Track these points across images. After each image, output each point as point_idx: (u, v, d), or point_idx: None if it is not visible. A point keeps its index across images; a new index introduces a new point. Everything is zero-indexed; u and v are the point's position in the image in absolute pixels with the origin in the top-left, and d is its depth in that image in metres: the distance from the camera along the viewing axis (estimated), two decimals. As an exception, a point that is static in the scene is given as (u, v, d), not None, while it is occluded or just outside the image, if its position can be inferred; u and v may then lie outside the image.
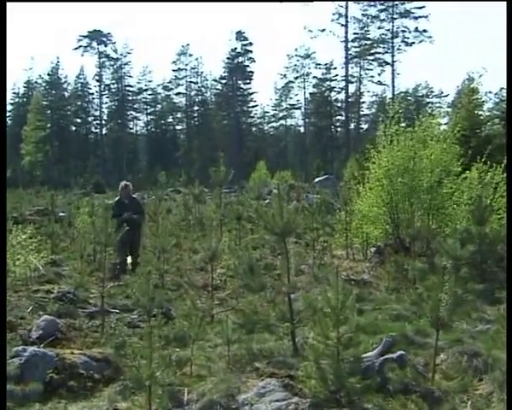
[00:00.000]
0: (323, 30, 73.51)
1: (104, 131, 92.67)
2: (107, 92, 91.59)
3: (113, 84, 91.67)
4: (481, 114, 26.20)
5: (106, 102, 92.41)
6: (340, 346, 5.89)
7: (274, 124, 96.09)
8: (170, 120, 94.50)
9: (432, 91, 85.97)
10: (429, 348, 7.30)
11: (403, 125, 15.64)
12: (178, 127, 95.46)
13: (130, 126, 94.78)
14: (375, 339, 7.81)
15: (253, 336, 8.28)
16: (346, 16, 74.34)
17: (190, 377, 6.80)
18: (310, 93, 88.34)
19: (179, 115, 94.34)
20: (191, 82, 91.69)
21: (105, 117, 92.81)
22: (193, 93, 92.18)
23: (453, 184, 14.71)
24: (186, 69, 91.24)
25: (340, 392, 5.84)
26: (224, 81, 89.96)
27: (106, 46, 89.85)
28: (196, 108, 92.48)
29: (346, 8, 73.99)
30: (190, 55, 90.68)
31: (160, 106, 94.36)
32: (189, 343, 7.36)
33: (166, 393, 5.62)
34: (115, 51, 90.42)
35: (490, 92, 28.38)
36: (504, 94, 29.98)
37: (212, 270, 10.64)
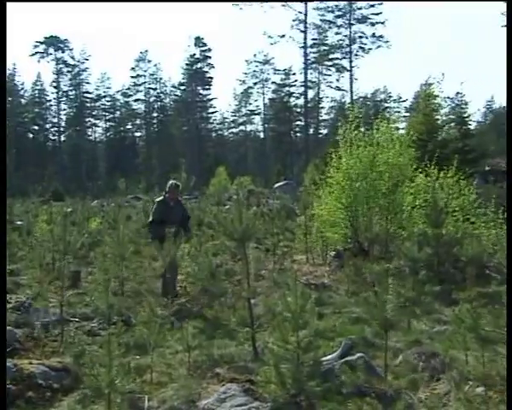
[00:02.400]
0: (283, 36, 73.78)
1: (62, 139, 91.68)
2: (64, 99, 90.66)
3: (70, 90, 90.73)
4: (438, 119, 26.58)
5: (64, 109, 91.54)
6: (299, 350, 5.92)
7: (234, 130, 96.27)
8: (129, 126, 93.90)
9: (390, 96, 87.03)
10: (388, 350, 7.40)
11: (362, 129, 15.81)
12: (138, 134, 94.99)
13: (89, 133, 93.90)
14: (335, 342, 7.89)
15: (214, 342, 8.29)
16: (305, 22, 74.70)
17: (151, 385, 6.77)
18: (269, 99, 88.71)
19: (138, 122, 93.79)
20: (150, 88, 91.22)
21: (63, 124, 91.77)
22: (152, 99, 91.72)
23: (410, 188, 14.91)
24: (145, 75, 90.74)
25: (299, 396, 5.87)
26: (183, 87, 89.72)
27: (63, 52, 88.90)
28: (155, 114, 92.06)
29: (306, 14, 74.32)
30: (149, 61, 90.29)
31: (118, 112, 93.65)
32: (150, 350, 7.33)
33: (126, 401, 5.59)
34: (73, 58, 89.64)
35: (447, 97, 28.71)
36: (460, 99, 30.44)
37: (172, 276, 10.60)
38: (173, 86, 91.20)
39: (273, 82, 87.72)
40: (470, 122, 30.75)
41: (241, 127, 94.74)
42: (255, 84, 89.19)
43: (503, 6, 65.85)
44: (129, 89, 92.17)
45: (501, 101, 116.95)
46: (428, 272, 12.10)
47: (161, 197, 12.43)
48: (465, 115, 28.65)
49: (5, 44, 7.86)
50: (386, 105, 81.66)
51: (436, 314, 10.07)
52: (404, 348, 7.75)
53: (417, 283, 10.14)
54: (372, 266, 11.70)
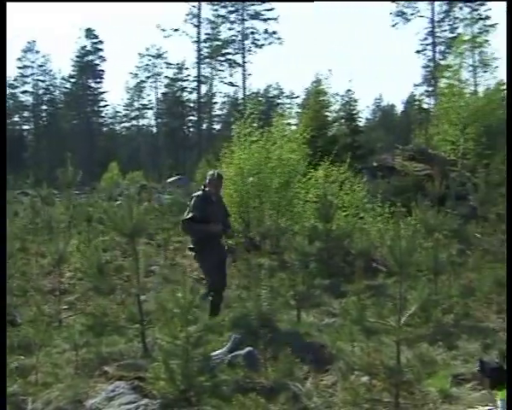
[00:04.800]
0: (176, 30, 73.32)
1: None
2: None
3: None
4: (328, 115, 27.16)
5: None
6: (188, 345, 5.89)
7: (126, 124, 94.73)
8: (16, 119, 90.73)
9: (282, 92, 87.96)
10: (277, 343, 7.48)
11: (255, 125, 15.93)
12: (25, 127, 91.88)
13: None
14: (225, 337, 7.91)
15: (102, 340, 8.13)
16: (199, 17, 74.58)
17: (36, 386, 6.56)
18: (162, 93, 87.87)
19: (26, 114, 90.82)
20: (38, 80, 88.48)
21: None
22: (41, 91, 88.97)
23: (301, 183, 15.16)
24: (33, 67, 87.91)
25: (189, 391, 5.84)
26: (73, 80, 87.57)
27: None
28: (44, 107, 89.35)
29: (199, 8, 74.23)
30: (37, 51, 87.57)
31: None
32: (35, 350, 7.10)
33: (8, 404, 5.40)
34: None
35: (336, 94, 29.36)
36: (351, 96, 31.21)
37: (61, 273, 10.36)
38: (63, 78, 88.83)
39: (166, 76, 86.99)
40: (359, 119, 31.66)
41: (134, 122, 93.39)
42: (148, 78, 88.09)
43: (393, 6, 68.25)
44: (16, 80, 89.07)
45: (389, 99, 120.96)
46: (319, 265, 12.34)
47: (200, 192, 10.11)
48: (354, 112, 29.43)
49: (5, 44, 7.79)
50: (279, 101, 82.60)
51: (325, 307, 10.31)
52: (294, 341, 7.85)
53: (308, 276, 10.29)
54: (264, 261, 11.83)
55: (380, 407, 5.68)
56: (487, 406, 5.69)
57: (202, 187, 10.08)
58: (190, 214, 9.56)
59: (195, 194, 10.04)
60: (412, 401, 5.77)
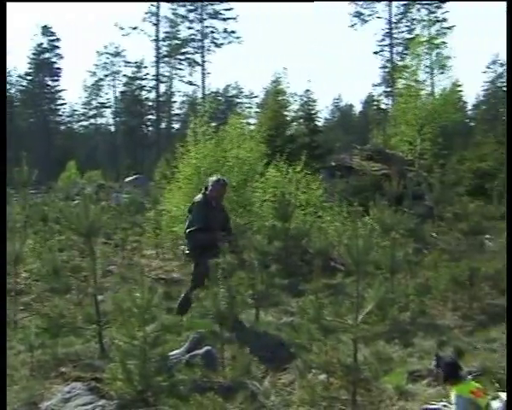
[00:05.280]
0: (135, 28, 72.81)
1: None
2: None
3: None
4: (287, 115, 27.28)
5: None
6: (146, 345, 5.87)
7: (84, 123, 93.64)
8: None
9: (242, 92, 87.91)
10: (235, 343, 7.50)
11: (214, 124, 15.92)
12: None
13: None
14: (184, 337, 7.89)
15: (59, 341, 8.03)
16: (158, 15, 74.21)
17: (-10, 388, 6.46)
18: (120, 92, 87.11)
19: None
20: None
21: None
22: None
23: (259, 182, 15.18)
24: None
25: (146, 392, 5.81)
26: (29, 78, 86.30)
27: None
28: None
29: (158, 7, 73.86)
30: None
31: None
32: (-11, 352, 6.98)
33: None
34: None
35: (295, 94, 29.55)
36: (309, 96, 31.43)
37: (16, 274, 10.21)
38: (19, 76, 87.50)
39: (124, 75, 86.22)
40: (318, 119, 31.87)
41: (92, 120, 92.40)
42: (106, 76, 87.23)
43: (351, 7, 68.77)
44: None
45: (347, 99, 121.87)
46: (277, 264, 12.37)
47: (200, 196, 9.69)
48: (313, 112, 29.62)
49: (5, 44, 7.84)
50: (238, 101, 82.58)
51: (283, 306, 10.35)
52: (253, 340, 7.86)
53: (266, 275, 10.31)
54: (223, 259, 11.79)
55: (337, 404, 5.71)
56: (442, 401, 5.77)
57: (203, 191, 9.70)
58: (195, 226, 9.26)
59: (196, 200, 9.73)
60: (369, 398, 5.82)
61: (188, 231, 9.38)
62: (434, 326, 8.88)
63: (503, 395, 5.36)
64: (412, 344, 8.00)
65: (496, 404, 5.19)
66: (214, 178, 9.93)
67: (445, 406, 5.67)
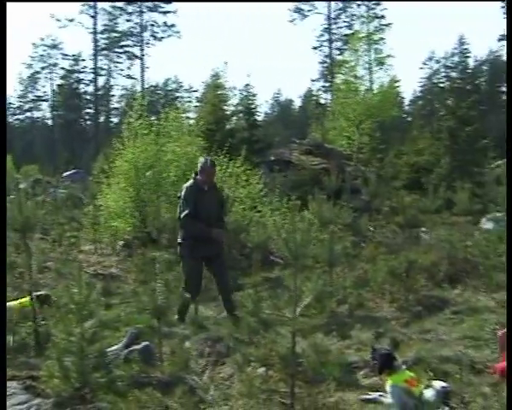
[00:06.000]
0: (72, 20, 71.52)
1: None
2: None
3: None
4: (226, 109, 27.25)
5: None
6: (83, 341, 5.79)
7: (20, 116, 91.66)
8: None
9: (181, 86, 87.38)
10: (174, 337, 7.49)
11: (153, 118, 15.82)
12: None
13: None
14: (122, 332, 7.83)
15: (-7, 338, 7.86)
16: (95, 7, 73.11)
17: None
18: (58, 85, 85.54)
19: None
20: None
21: None
22: None
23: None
24: None
25: (84, 389, 5.74)
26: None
27: None
28: None
29: (95, -1, 72.85)
30: None
31: None
32: None
33: None
34: None
35: (234, 87, 29.49)
36: (249, 90, 31.44)
37: None
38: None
39: (62, 67, 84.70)
40: (258, 113, 31.94)
41: (28, 114, 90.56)
42: (43, 68, 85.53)
43: (291, 3, 69.07)
44: None
45: (287, 93, 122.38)
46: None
47: (191, 181, 9.10)
48: (252, 107, 29.66)
49: (5, 44, 7.66)
50: (178, 95, 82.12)
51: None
52: (192, 335, 7.87)
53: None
54: (160, 255, 11.74)
55: (276, 397, 5.75)
56: (378, 391, 5.87)
57: (193, 176, 9.14)
58: (186, 211, 8.70)
59: (186, 184, 9.13)
60: (308, 390, 5.87)
61: (182, 217, 8.82)
62: (372, 318, 9.01)
63: (436, 384, 5.50)
64: (350, 336, 8.10)
65: (429, 392, 5.30)
66: (202, 159, 9.32)
67: (381, 395, 5.79)
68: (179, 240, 8.99)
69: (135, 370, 6.29)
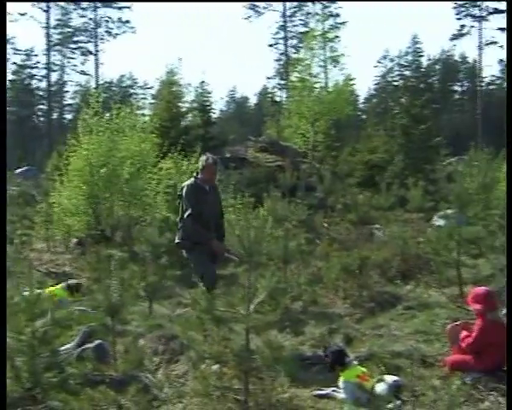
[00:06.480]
0: (24, 14, 70.25)
1: None
2: None
3: None
4: (181, 106, 27.16)
5: None
6: (35, 341, 5.72)
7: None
8: None
9: (136, 83, 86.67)
10: (128, 335, 7.45)
11: (108, 115, 15.69)
12: None
13: None
14: (75, 331, 7.75)
15: None
16: (48, 1, 71.93)
17: None
18: (9, 80, 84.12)
19: None
20: None
21: None
22: None
23: (153, 174, 15.07)
24: None
25: (35, 388, 5.67)
26: None
27: None
28: None
29: (48, -8, 71.66)
30: None
31: None
32: None
33: None
34: None
35: (189, 84, 29.40)
36: (204, 87, 31.41)
37: None
38: None
39: (14, 63, 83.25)
40: (213, 110, 31.91)
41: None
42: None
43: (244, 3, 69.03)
44: None
45: (243, 91, 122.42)
46: (170, 256, 12.30)
47: (191, 180, 8.60)
48: (207, 104, 29.63)
49: (5, 44, 7.50)
50: (132, 91, 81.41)
51: (177, 298, 10.33)
52: (146, 333, 7.85)
53: (159, 267, 10.24)
54: (114, 252, 11.67)
55: (230, 393, 5.75)
56: (331, 387, 5.93)
57: (195, 174, 8.73)
58: (188, 211, 8.23)
59: (186, 183, 8.60)
60: (262, 386, 5.89)
61: (185, 217, 8.34)
62: (325, 314, 9.08)
63: (388, 378, 5.58)
64: (304, 333, 8.15)
65: (380, 386, 5.37)
66: (204, 157, 8.68)
67: (334, 391, 5.85)
68: (177, 240, 8.65)
69: (88, 368, 6.24)
